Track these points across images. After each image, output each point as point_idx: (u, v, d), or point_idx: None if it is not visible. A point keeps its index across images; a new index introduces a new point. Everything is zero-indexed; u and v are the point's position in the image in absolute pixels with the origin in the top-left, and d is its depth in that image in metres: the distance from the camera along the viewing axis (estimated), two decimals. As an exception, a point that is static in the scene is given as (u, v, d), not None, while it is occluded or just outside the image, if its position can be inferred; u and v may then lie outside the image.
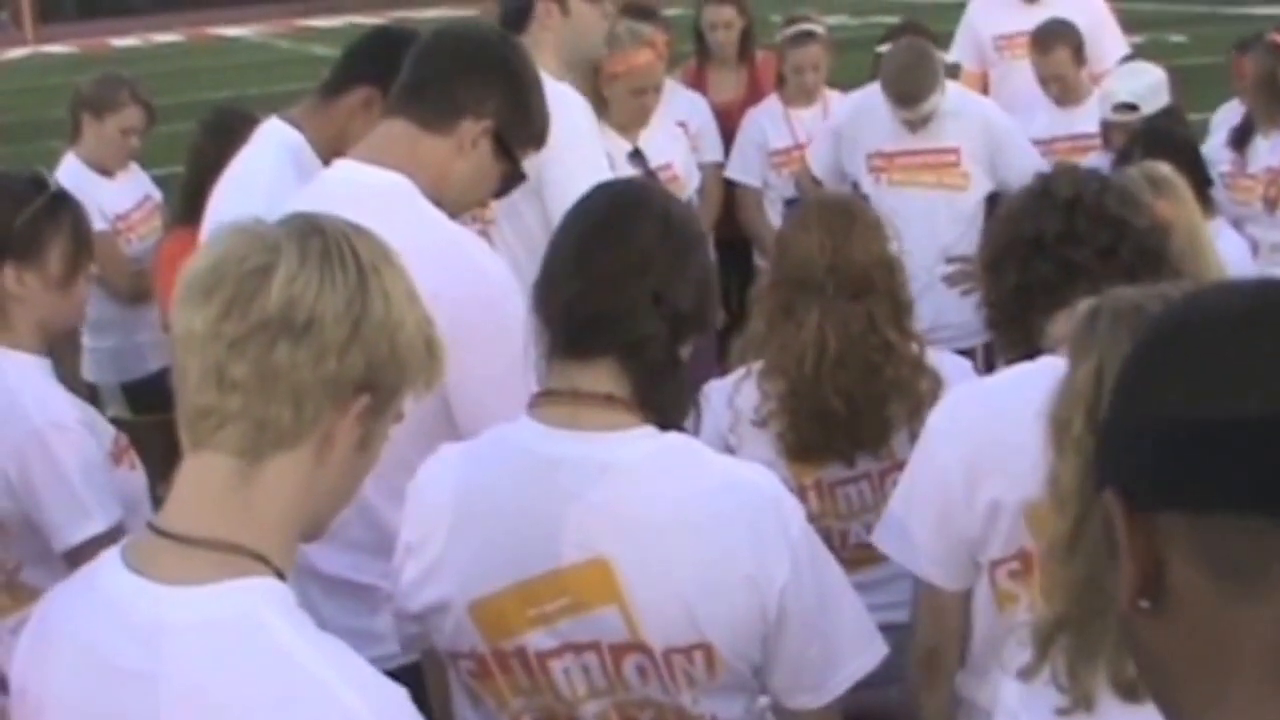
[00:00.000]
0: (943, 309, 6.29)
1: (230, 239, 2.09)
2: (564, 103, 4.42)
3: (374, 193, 3.38)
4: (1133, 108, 6.81)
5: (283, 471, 2.07)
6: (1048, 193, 3.44)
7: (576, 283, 2.82)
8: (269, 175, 4.16)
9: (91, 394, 6.78)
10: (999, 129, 7.07)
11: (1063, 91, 7.72)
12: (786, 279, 4.19)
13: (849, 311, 4.10)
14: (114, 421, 6.87)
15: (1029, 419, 2.81)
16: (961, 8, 9.41)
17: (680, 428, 2.90)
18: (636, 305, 2.78)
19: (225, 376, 2.02)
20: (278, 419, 2.04)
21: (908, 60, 6.85)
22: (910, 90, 6.76)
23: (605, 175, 4.55)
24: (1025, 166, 6.85)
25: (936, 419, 3.43)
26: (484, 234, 4.49)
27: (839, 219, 4.20)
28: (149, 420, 6.43)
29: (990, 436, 3.22)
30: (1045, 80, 7.75)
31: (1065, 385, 2.55)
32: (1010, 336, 3.55)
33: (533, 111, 3.61)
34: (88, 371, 6.97)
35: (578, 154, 4.51)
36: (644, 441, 2.80)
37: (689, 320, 2.85)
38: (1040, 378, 3.04)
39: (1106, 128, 6.98)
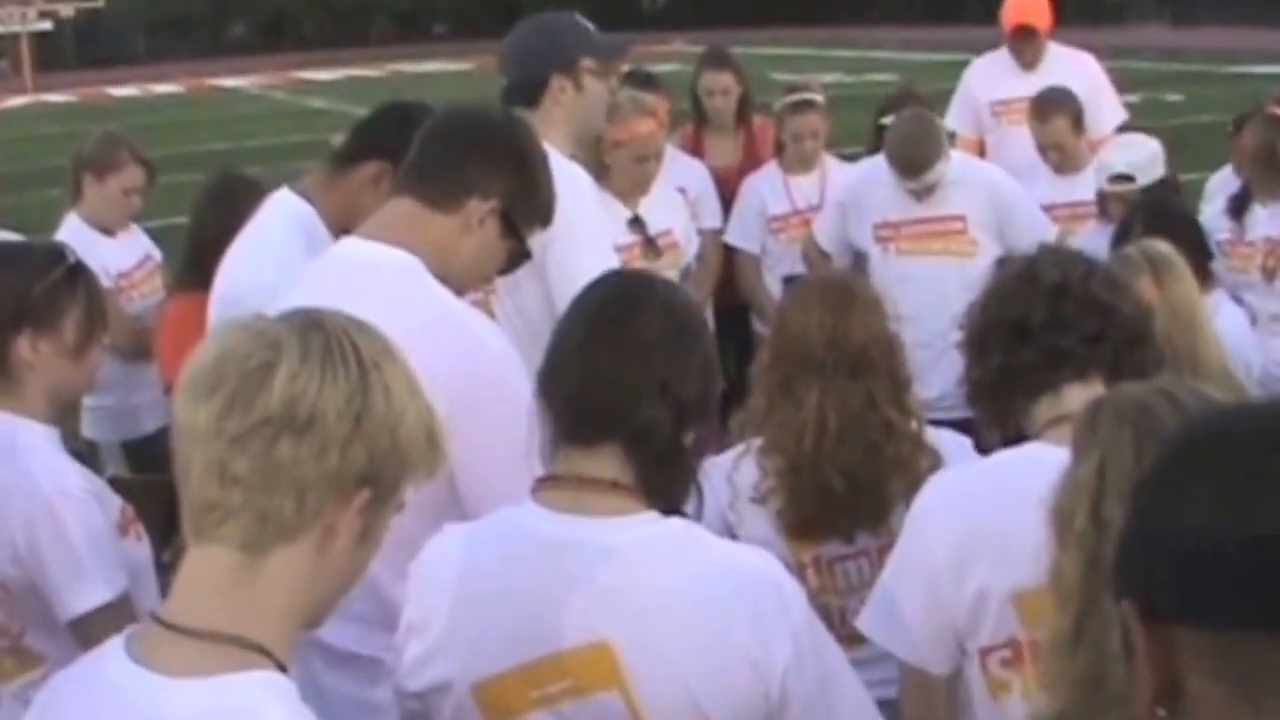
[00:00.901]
0: (953, 378, 6.26)
1: (233, 335, 2.11)
2: (571, 181, 4.44)
3: (382, 270, 3.41)
4: (1129, 179, 6.80)
5: (285, 564, 2.09)
6: (1034, 277, 3.42)
7: (580, 373, 2.86)
8: (279, 247, 4.19)
9: (90, 452, 6.78)
10: (1005, 195, 7.09)
11: (1061, 160, 7.73)
12: (786, 356, 4.19)
13: (849, 390, 4.10)
14: (113, 481, 6.92)
15: (1016, 506, 2.85)
16: (957, 65, 9.45)
17: (683, 511, 2.91)
18: (640, 395, 2.82)
19: (228, 471, 2.05)
20: (280, 513, 2.06)
21: (912, 130, 6.87)
22: (915, 160, 6.78)
23: (609, 257, 4.63)
24: (1034, 231, 6.89)
25: (924, 504, 3.41)
26: (484, 304, 4.50)
27: (838, 297, 4.20)
28: (148, 479, 6.40)
29: (977, 523, 3.21)
30: (1044, 149, 7.76)
31: (1068, 479, 2.55)
32: (992, 415, 3.55)
33: (540, 192, 3.64)
34: (87, 429, 6.94)
35: (582, 234, 4.50)
36: (647, 527, 2.82)
37: (693, 408, 2.87)
38: (1027, 465, 3.15)
39: (1103, 198, 6.99)
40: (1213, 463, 1.39)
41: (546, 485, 2.89)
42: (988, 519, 3.17)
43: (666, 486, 2.86)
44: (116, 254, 7.16)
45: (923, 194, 6.89)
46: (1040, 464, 2.89)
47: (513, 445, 3.15)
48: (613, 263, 4.63)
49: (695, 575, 2.80)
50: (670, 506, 2.86)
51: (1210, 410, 1.53)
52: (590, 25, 4.97)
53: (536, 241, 3.82)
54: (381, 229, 3.55)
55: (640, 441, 2.82)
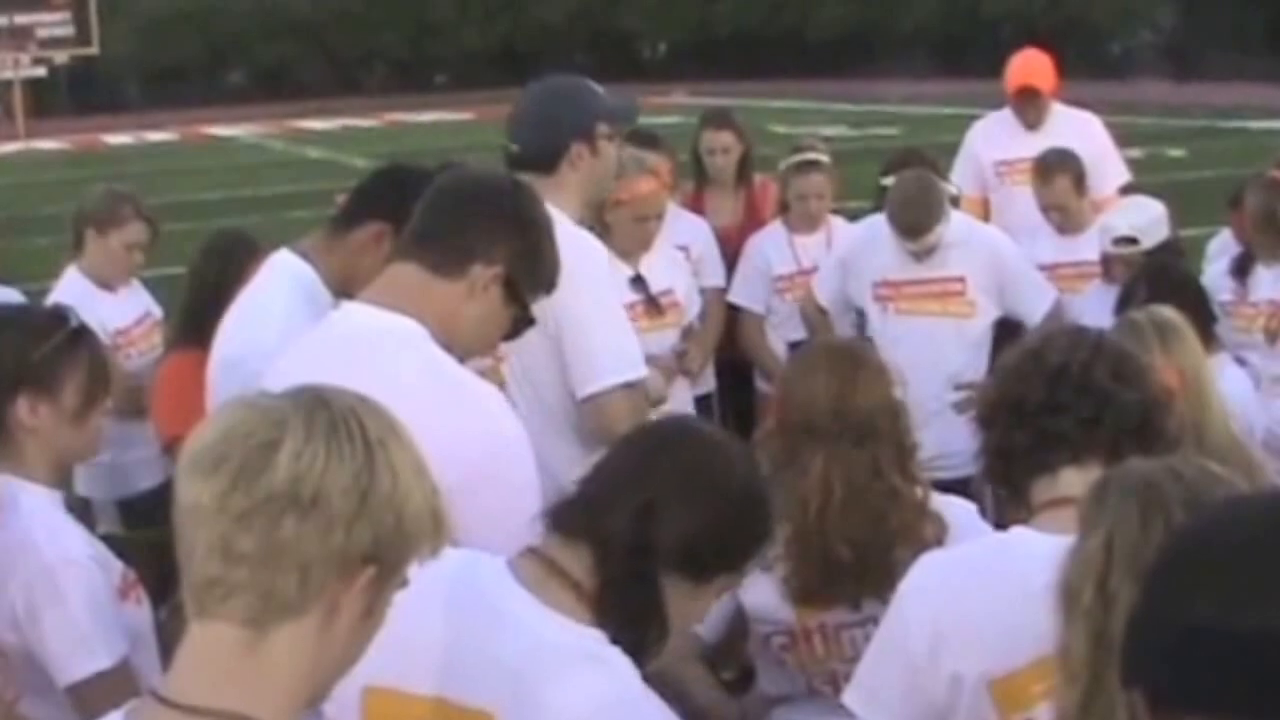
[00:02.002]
0: (949, 437, 6.27)
1: (237, 412, 2.11)
2: (583, 248, 4.46)
3: (385, 337, 3.40)
4: (1133, 242, 6.82)
5: (288, 641, 2.07)
6: (1038, 356, 3.40)
7: (592, 468, 2.95)
8: (281, 309, 4.19)
9: (84, 509, 6.71)
10: (1007, 259, 7.09)
11: (1064, 219, 7.76)
12: (791, 424, 4.16)
13: (854, 459, 4.07)
14: (106, 538, 6.89)
15: (994, 594, 2.96)
16: (960, 118, 9.47)
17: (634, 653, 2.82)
18: (617, 503, 2.83)
19: (232, 549, 2.03)
20: (284, 590, 2.05)
21: (913, 192, 6.86)
22: (916, 222, 6.78)
23: (621, 323, 4.64)
24: (1035, 297, 6.95)
25: (905, 587, 3.39)
26: (493, 370, 4.48)
27: (845, 364, 4.18)
28: (143, 536, 6.34)
29: (955, 609, 3.20)
30: (1047, 209, 7.79)
31: (1075, 555, 2.56)
32: (1003, 493, 3.57)
33: (543, 258, 3.62)
34: (81, 486, 6.87)
35: (594, 300, 4.50)
36: (580, 641, 2.78)
37: (675, 553, 2.83)
38: (1010, 552, 3.18)
39: (1107, 261, 6.99)
40: (1220, 555, 1.43)
41: (528, 554, 2.91)
42: (964, 608, 3.16)
43: (620, 621, 2.81)
44: (116, 310, 7.13)
45: (923, 255, 6.89)
46: (1024, 551, 2.96)
47: (517, 523, 3.15)
48: (625, 331, 4.67)
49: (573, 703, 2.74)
50: (619, 641, 2.79)
51: (1218, 501, 1.66)
52: (599, 88, 4.97)
53: (545, 305, 3.82)
54: (384, 295, 3.53)
55: (604, 553, 2.80)
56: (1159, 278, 5.87)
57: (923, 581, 3.34)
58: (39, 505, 3.80)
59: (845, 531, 4.04)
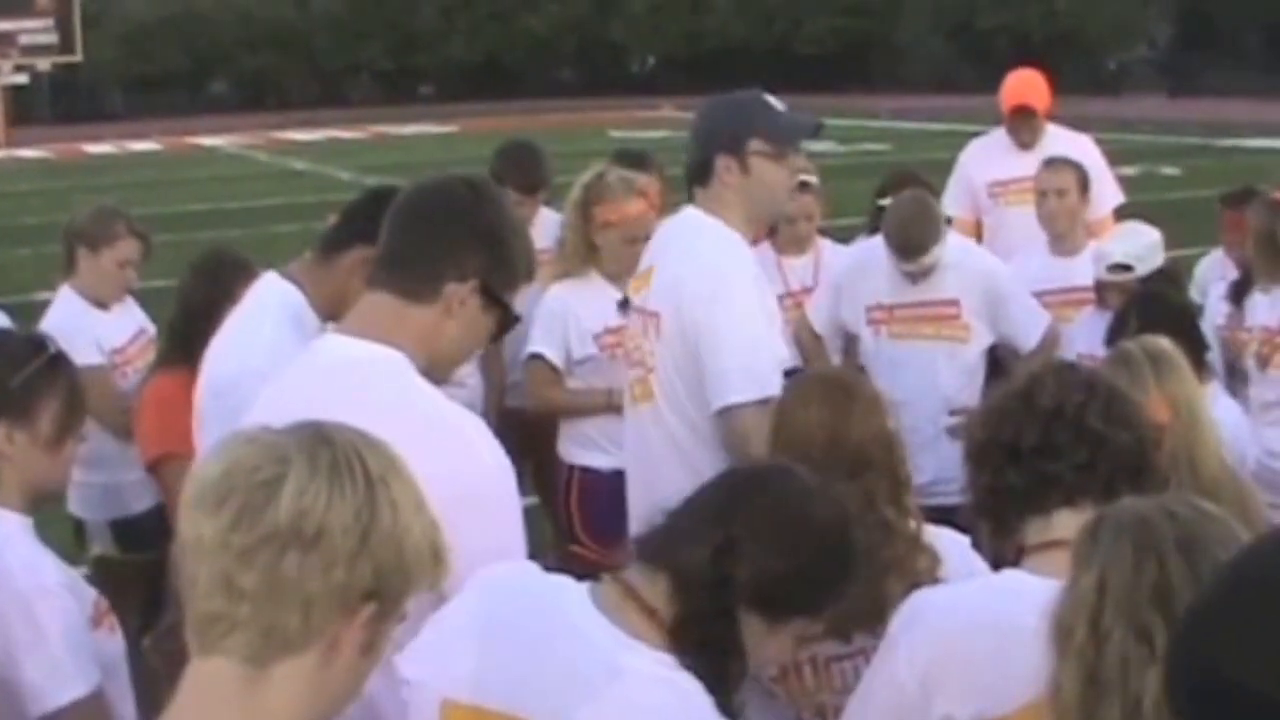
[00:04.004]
0: (945, 463, 6.21)
1: (241, 448, 2.14)
2: (730, 263, 4.88)
3: (365, 370, 3.37)
4: (1128, 269, 6.79)
5: (289, 677, 2.11)
6: (1030, 398, 3.37)
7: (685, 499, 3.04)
8: (270, 335, 4.18)
9: (78, 529, 6.73)
10: (1001, 285, 7.05)
11: (1057, 215, 7.72)
12: (784, 455, 4.10)
13: (847, 492, 4.00)
14: (100, 560, 6.82)
15: (987, 636, 2.99)
16: (949, 135, 9.42)
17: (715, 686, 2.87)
18: (698, 536, 2.92)
19: (234, 585, 2.06)
20: (285, 626, 2.08)
21: (912, 212, 6.84)
22: (914, 242, 6.75)
23: (758, 340, 4.87)
24: (1028, 322, 6.92)
25: (898, 625, 3.36)
26: (640, 384, 5.10)
27: (838, 395, 4.16)
28: (136, 559, 6.45)
29: (948, 652, 3.18)
30: (1046, 193, 7.74)
31: (1068, 594, 2.57)
32: (990, 530, 3.52)
33: (514, 257, 3.56)
34: (75, 506, 6.80)
35: (731, 318, 4.83)
36: (653, 666, 2.83)
37: (752, 589, 2.91)
38: (1002, 594, 3.19)
39: (1101, 287, 6.94)
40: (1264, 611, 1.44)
41: (608, 579, 2.98)
42: (958, 650, 3.15)
43: (698, 653, 2.86)
44: (112, 328, 7.04)
45: (919, 276, 6.86)
46: (1017, 594, 2.97)
47: (504, 547, 3.26)
48: (762, 348, 4.88)
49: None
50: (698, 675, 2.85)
51: (1265, 543, 1.61)
52: (776, 104, 5.10)
53: (688, 320, 4.54)
54: (363, 325, 3.49)
55: (683, 585, 2.88)
56: (1151, 306, 5.87)
57: (915, 621, 3.32)
58: (12, 532, 3.77)
59: None
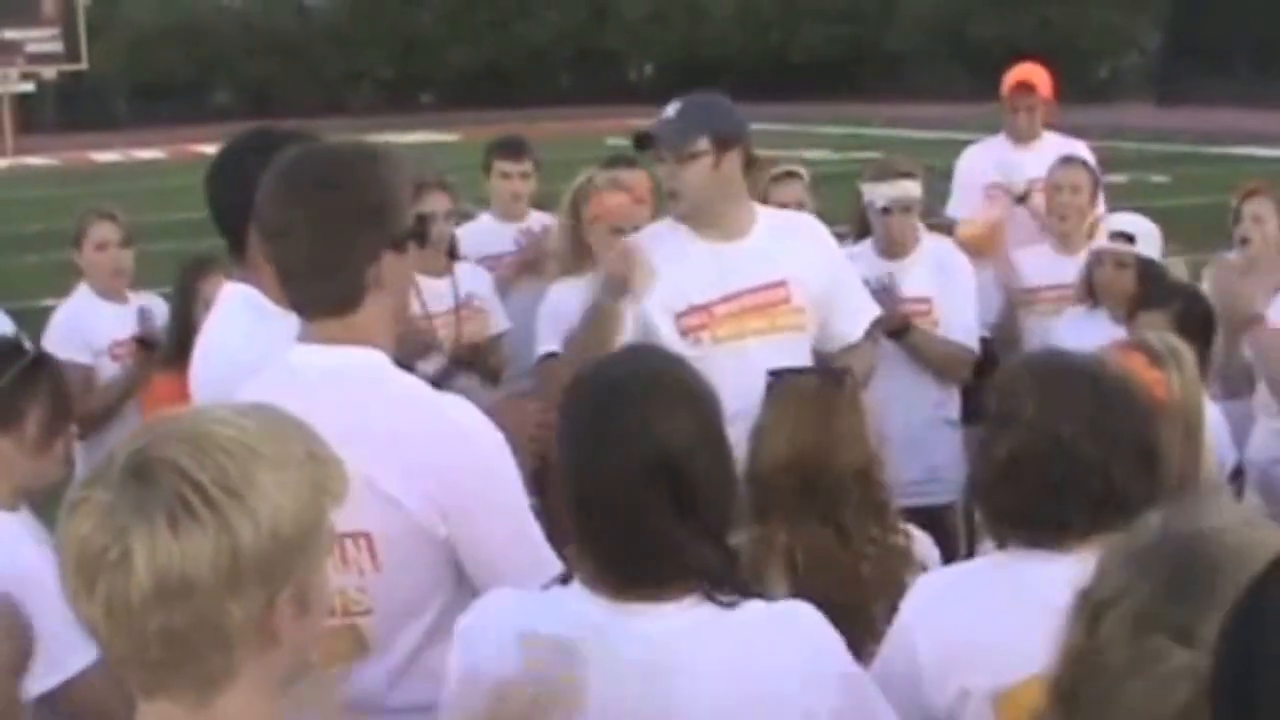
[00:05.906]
0: (931, 464, 6.40)
1: (82, 526, 2.05)
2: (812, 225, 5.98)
3: (345, 378, 3.38)
4: (1130, 239, 6.82)
5: (236, 701, 2.09)
6: (1056, 438, 3.26)
7: None
8: (241, 337, 4.06)
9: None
10: (963, 284, 7.16)
11: (1066, 208, 7.83)
12: (757, 478, 4.13)
13: (818, 534, 4.09)
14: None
15: (998, 608, 3.11)
16: (944, 143, 9.48)
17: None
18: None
19: (147, 655, 2.04)
20: (211, 665, 2.06)
21: (891, 159, 7.29)
22: (894, 165, 7.04)
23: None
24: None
25: (908, 613, 3.42)
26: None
27: (815, 419, 4.17)
28: None
29: (962, 635, 3.25)
30: (1061, 188, 7.85)
31: (1080, 598, 2.47)
32: (990, 522, 3.51)
33: (401, 203, 3.48)
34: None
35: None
36: (679, 615, 2.90)
37: (700, 489, 2.94)
38: (1007, 569, 3.26)
39: (1097, 259, 6.95)
40: None
41: None
42: (973, 623, 3.23)
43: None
44: (116, 322, 7.47)
45: (898, 209, 6.93)
46: (1021, 568, 3.15)
47: (512, 526, 3.41)
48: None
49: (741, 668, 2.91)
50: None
51: None
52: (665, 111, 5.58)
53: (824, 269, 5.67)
54: (324, 334, 3.44)
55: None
56: (1174, 288, 6.04)
57: (927, 602, 3.39)
58: (13, 533, 3.81)
59: (816, 594, 4.05)
